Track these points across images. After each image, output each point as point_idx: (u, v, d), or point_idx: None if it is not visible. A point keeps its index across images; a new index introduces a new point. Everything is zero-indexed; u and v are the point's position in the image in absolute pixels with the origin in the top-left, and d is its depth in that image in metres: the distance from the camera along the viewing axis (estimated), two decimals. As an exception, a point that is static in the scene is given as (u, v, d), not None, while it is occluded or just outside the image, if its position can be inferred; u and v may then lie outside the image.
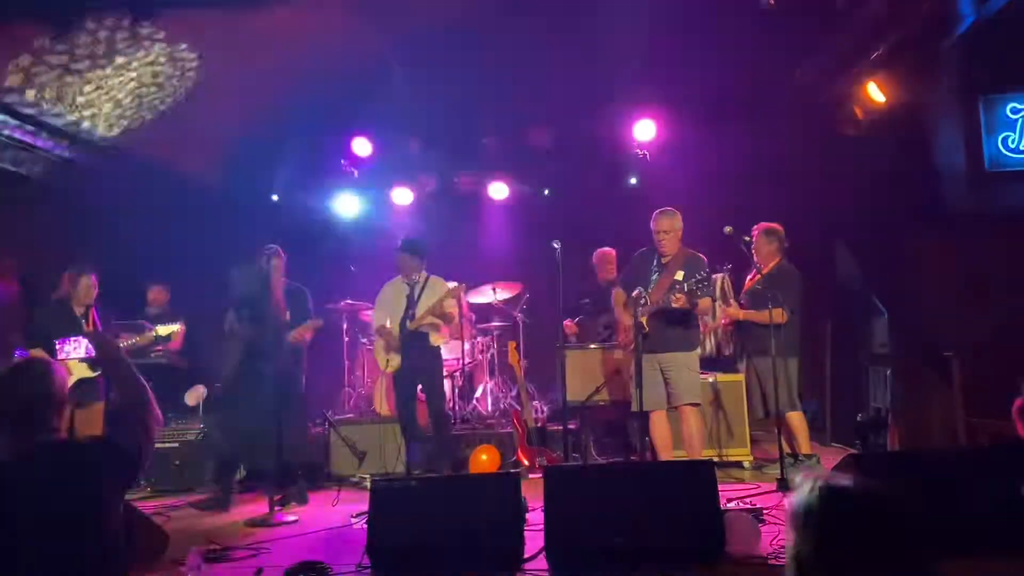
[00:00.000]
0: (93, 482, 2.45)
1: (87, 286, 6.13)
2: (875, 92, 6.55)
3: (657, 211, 5.65)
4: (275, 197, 9.03)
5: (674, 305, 5.34)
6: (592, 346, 6.98)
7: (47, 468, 2.43)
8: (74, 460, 2.49)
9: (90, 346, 5.56)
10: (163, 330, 6.06)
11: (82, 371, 5.83)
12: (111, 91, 6.63)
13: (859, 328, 7.63)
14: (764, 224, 6.27)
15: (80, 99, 6.49)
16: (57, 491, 2.39)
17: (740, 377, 6.69)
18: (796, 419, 6.04)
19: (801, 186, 7.57)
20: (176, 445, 6.52)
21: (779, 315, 5.76)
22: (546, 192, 5.62)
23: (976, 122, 6.32)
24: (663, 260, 5.61)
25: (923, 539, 1.59)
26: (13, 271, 7.37)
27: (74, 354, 5.78)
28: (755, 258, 6.14)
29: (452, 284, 6.60)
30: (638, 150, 8.43)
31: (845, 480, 1.67)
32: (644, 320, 5.42)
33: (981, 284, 6.13)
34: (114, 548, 2.47)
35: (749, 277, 6.36)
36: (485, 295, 8.16)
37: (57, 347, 5.78)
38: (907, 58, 6.39)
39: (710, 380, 6.55)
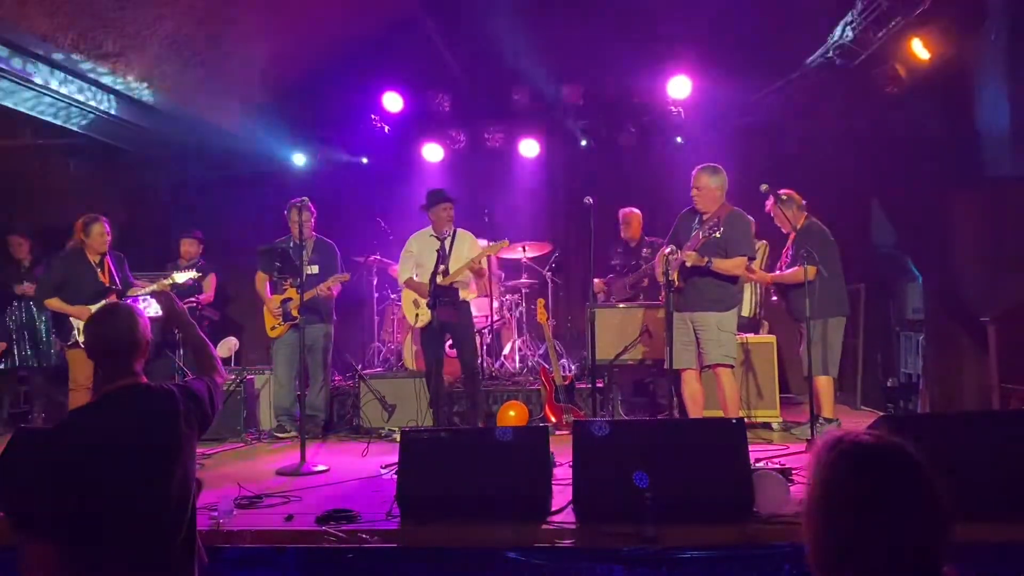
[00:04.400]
0: (170, 425, 2.55)
1: (99, 233, 6.18)
2: (919, 48, 6.36)
3: (697, 167, 5.55)
4: (300, 160, 9.03)
5: (687, 264, 5.25)
6: (621, 305, 6.96)
7: (128, 409, 2.55)
8: (153, 403, 2.60)
9: (159, 306, 5.67)
10: (179, 276, 6.14)
11: None
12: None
13: (892, 292, 7.52)
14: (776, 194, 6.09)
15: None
16: (136, 431, 2.50)
17: (771, 339, 6.66)
18: (824, 382, 5.96)
19: (838, 145, 7.43)
20: (209, 395, 6.60)
21: (811, 272, 5.66)
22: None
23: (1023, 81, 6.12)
24: (704, 217, 5.47)
25: (945, 497, 1.55)
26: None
27: (148, 312, 5.91)
28: (784, 226, 6.04)
29: (483, 242, 6.61)
30: (672, 107, 8.31)
31: (869, 436, 1.64)
32: (675, 277, 5.36)
33: (1020, 249, 5.99)
34: (186, 490, 2.57)
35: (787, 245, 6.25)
36: (514, 252, 8.14)
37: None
38: (953, 13, 6.19)
39: (740, 341, 6.50)
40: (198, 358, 3.02)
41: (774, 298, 6.50)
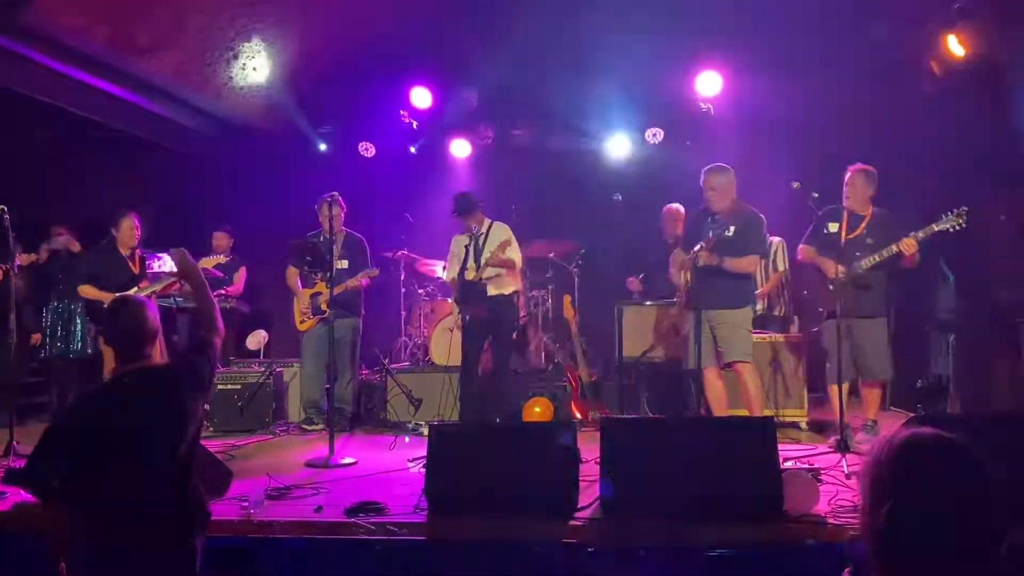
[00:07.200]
0: (174, 400, 2.87)
1: (129, 227, 6.37)
2: (955, 46, 6.27)
3: (705, 168, 5.56)
4: (323, 147, 9.09)
5: (700, 263, 5.27)
6: (648, 303, 6.92)
7: (139, 389, 2.86)
8: (162, 382, 2.92)
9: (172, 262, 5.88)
10: (206, 262, 6.25)
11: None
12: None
13: (923, 292, 7.43)
14: (861, 165, 5.69)
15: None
16: (145, 407, 2.81)
17: (798, 337, 6.61)
18: (880, 387, 5.84)
19: (869, 142, 7.34)
20: (239, 387, 6.70)
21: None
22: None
23: (1060, 79, 6.03)
24: (716, 216, 5.52)
25: (1000, 495, 1.55)
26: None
27: (164, 268, 6.29)
28: (847, 203, 5.65)
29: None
30: (702, 104, 8.25)
31: (924, 431, 1.64)
32: (687, 276, 5.38)
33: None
34: (190, 452, 2.89)
35: (836, 226, 5.66)
36: (540, 249, 8.11)
37: (147, 261, 6.34)
38: (989, 10, 6.11)
39: (768, 340, 6.47)
40: (206, 318, 3.27)
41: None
